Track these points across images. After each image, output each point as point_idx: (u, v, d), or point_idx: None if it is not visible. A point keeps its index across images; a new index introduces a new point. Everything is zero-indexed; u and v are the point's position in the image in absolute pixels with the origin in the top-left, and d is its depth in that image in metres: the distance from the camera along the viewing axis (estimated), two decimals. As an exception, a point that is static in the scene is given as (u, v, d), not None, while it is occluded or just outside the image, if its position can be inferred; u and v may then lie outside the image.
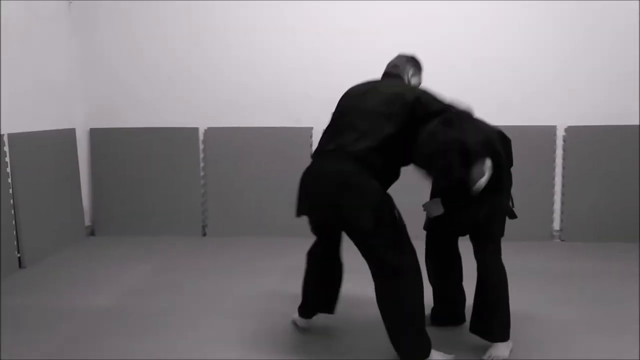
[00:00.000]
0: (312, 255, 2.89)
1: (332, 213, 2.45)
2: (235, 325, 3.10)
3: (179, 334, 2.99)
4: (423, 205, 2.80)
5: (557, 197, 4.96)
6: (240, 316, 3.24)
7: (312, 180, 2.54)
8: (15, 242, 4.13)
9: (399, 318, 2.46)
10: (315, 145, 4.88)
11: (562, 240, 4.95)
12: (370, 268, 2.50)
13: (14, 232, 4.12)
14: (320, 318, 3.00)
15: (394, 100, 2.51)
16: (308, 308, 2.96)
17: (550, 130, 4.90)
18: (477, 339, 2.72)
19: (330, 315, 2.96)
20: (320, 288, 2.90)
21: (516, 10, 4.83)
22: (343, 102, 2.73)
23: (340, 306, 2.97)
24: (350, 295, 3.21)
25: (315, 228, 2.81)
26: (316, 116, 4.97)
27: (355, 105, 2.62)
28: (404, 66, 2.80)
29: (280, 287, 3.71)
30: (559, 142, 4.92)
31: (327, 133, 2.67)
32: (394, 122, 2.46)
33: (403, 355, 2.50)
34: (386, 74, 2.81)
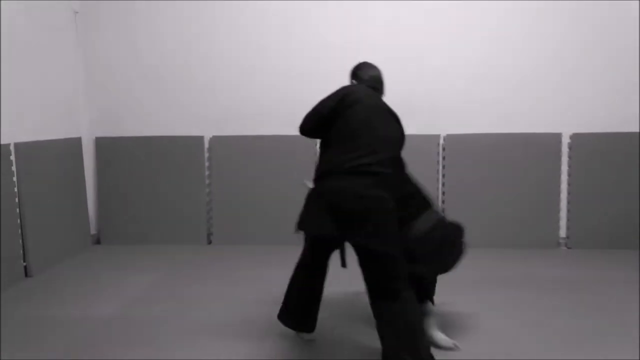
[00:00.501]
0: (305, 268, 2.89)
1: (363, 235, 2.43)
2: (241, 334, 3.09)
3: (184, 342, 2.99)
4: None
5: (563, 205, 4.94)
6: (246, 324, 3.23)
7: (343, 200, 2.45)
8: (22, 251, 4.14)
9: (405, 337, 2.42)
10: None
11: (568, 248, 4.92)
12: (376, 290, 2.47)
13: (20, 241, 4.13)
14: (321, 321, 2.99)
15: (397, 129, 2.67)
16: (300, 318, 2.95)
17: (556, 138, 4.89)
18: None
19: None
20: (310, 301, 2.91)
21: (521, 17, 4.83)
22: (352, 116, 2.60)
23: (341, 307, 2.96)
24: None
25: (318, 243, 2.79)
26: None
27: (369, 124, 2.57)
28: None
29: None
30: (565, 150, 4.91)
31: (343, 149, 2.55)
32: (399, 149, 2.63)
33: None
34: (376, 89, 2.86)
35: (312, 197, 2.61)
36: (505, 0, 4.82)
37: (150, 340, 3.02)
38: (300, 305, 2.93)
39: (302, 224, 2.64)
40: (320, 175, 2.60)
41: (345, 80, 5.02)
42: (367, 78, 2.86)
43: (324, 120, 2.70)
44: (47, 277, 4.18)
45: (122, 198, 5.23)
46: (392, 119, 2.67)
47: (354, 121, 2.58)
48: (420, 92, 4.89)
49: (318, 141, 5.00)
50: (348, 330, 3.11)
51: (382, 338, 2.46)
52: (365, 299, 2.55)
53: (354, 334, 3.05)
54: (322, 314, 2.98)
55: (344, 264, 2.68)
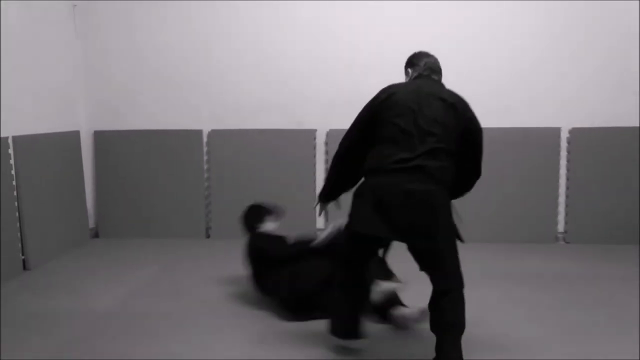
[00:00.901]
0: (349, 271, 2.70)
1: (427, 233, 2.42)
2: (239, 327, 3.10)
3: (183, 336, 2.99)
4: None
5: (562, 199, 4.95)
6: (244, 318, 3.24)
7: (404, 200, 2.40)
8: (20, 244, 4.14)
9: (461, 327, 2.47)
10: (319, 147, 4.96)
11: (566, 242, 4.93)
12: (441, 285, 2.47)
13: (19, 235, 4.13)
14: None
15: (445, 115, 2.52)
16: (354, 325, 2.75)
17: (555, 132, 4.89)
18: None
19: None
20: (359, 304, 2.76)
21: (520, 12, 4.82)
22: (400, 112, 2.49)
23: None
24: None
25: (367, 243, 2.63)
26: (319, 118, 4.99)
27: (421, 116, 2.47)
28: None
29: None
30: (563, 144, 4.91)
31: (394, 144, 2.46)
32: (455, 141, 2.52)
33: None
34: (433, 79, 2.70)
35: (362, 197, 2.52)
36: (505, -5, 4.82)
37: (149, 334, 3.02)
38: (354, 311, 2.74)
39: (357, 225, 2.52)
40: (367, 174, 2.55)
41: (343, 74, 5.03)
42: (422, 65, 2.71)
43: (364, 128, 2.62)
44: (46, 271, 4.18)
45: (121, 192, 5.22)
46: (440, 104, 2.50)
47: (394, 118, 2.48)
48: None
49: (316, 134, 4.98)
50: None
51: (448, 329, 2.46)
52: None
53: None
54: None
55: (383, 256, 2.64)
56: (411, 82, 2.68)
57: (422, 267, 2.54)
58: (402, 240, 2.48)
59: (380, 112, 2.54)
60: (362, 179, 2.60)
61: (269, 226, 3.59)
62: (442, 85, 2.65)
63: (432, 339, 2.49)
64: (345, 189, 2.79)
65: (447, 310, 2.45)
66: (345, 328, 2.73)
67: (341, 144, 2.73)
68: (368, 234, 2.49)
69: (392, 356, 2.74)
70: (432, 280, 2.50)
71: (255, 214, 3.62)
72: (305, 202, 4.99)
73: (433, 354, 2.47)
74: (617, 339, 2.91)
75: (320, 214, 2.97)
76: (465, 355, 2.66)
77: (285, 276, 3.21)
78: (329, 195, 2.85)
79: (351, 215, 2.57)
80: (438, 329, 2.48)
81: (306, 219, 5.02)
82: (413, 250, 2.53)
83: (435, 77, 2.69)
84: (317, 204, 2.92)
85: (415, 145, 2.42)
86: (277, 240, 3.45)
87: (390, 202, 2.41)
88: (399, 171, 2.42)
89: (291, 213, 5.06)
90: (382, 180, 2.45)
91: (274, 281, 3.26)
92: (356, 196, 2.56)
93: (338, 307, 2.74)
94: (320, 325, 3.02)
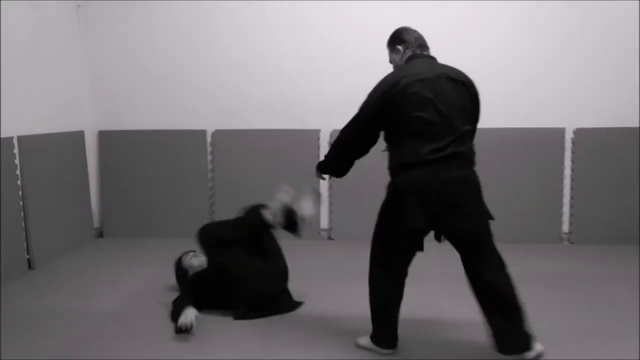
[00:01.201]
0: (401, 274, 2.66)
1: (472, 218, 2.49)
2: (241, 327, 3.10)
3: (187, 335, 2.99)
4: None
5: (566, 200, 4.93)
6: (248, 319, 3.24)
7: (448, 189, 2.40)
8: (25, 244, 4.16)
9: (518, 306, 2.57)
10: (323, 147, 4.95)
11: (571, 243, 4.92)
12: (490, 264, 2.56)
13: (24, 234, 4.15)
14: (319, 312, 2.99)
15: (463, 97, 2.54)
16: (393, 334, 2.74)
17: (559, 133, 4.88)
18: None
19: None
20: (397, 311, 2.72)
21: (525, 12, 4.81)
22: (419, 104, 2.42)
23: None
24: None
25: (416, 241, 2.58)
26: (323, 119, 4.99)
27: (440, 103, 2.43)
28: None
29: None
30: (568, 145, 4.90)
31: (422, 137, 2.42)
32: (471, 119, 2.56)
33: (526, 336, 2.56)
34: (427, 56, 2.66)
35: (402, 194, 2.46)
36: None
37: (153, 333, 3.03)
38: (395, 319, 2.71)
39: (409, 221, 2.42)
40: (399, 169, 2.49)
41: (346, 74, 5.02)
42: (412, 40, 2.64)
43: (373, 119, 2.54)
44: (51, 270, 4.19)
45: (125, 191, 5.24)
46: (452, 86, 2.48)
47: (416, 112, 2.42)
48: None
49: (320, 135, 4.97)
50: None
51: (516, 306, 2.55)
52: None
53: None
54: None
55: (420, 249, 2.61)
56: (414, 65, 2.56)
57: (467, 253, 2.56)
58: (449, 231, 2.50)
59: (396, 105, 2.45)
60: (393, 176, 2.53)
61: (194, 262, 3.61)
62: (441, 64, 2.62)
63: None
64: (343, 169, 2.77)
65: (508, 286, 2.55)
66: (390, 338, 2.72)
67: (346, 131, 2.64)
68: (421, 229, 2.46)
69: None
70: (478, 264, 2.55)
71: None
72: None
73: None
74: (621, 339, 2.90)
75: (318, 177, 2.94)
76: (467, 355, 2.67)
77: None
78: (324, 169, 2.83)
79: (395, 214, 2.48)
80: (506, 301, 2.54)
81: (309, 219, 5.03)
82: (458, 239, 2.54)
83: (426, 52, 2.67)
84: (317, 172, 2.89)
85: (443, 134, 2.41)
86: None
87: (434, 193, 2.39)
88: (435, 162, 2.40)
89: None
90: (420, 174, 2.41)
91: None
92: (394, 194, 2.50)
93: (380, 317, 2.71)
94: (325, 325, 3.02)
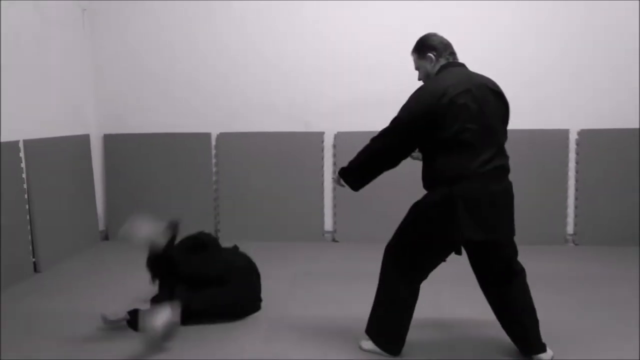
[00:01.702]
0: (420, 282, 2.69)
1: (508, 229, 2.57)
2: (245, 330, 3.11)
3: (190, 338, 3.00)
4: None
5: (571, 201, 4.92)
6: (250, 318, 3.25)
7: (495, 200, 2.47)
8: (31, 247, 4.18)
9: (533, 311, 2.66)
10: (327, 150, 4.96)
11: (575, 244, 4.91)
12: (498, 276, 2.63)
13: (30, 237, 4.17)
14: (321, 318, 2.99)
15: (500, 107, 2.61)
16: (403, 341, 2.75)
17: (563, 134, 4.87)
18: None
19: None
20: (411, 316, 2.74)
21: (529, 13, 4.81)
22: (468, 116, 2.43)
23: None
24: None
25: (457, 250, 2.60)
26: (327, 121, 4.99)
27: (484, 115, 2.46)
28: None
29: (292, 291, 3.72)
30: (572, 146, 4.89)
31: (471, 148, 2.43)
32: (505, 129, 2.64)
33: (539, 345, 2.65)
34: (461, 64, 2.66)
35: (451, 205, 2.43)
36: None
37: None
38: (408, 325, 2.72)
39: (455, 232, 2.44)
40: (448, 180, 2.45)
41: (349, 77, 5.02)
42: (443, 47, 2.62)
43: (415, 131, 2.51)
44: (56, 273, 4.21)
45: (130, 195, 5.26)
46: (492, 97, 2.53)
47: (466, 123, 2.42)
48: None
49: (324, 137, 4.98)
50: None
51: (520, 318, 2.64)
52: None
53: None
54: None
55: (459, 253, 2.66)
56: (454, 74, 2.53)
57: (496, 263, 2.61)
58: (492, 238, 2.52)
59: (445, 117, 2.41)
60: (439, 187, 2.49)
61: None
62: (477, 73, 2.62)
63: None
64: (365, 181, 2.73)
65: (525, 292, 2.68)
66: (400, 344, 2.72)
67: (379, 141, 2.59)
68: (472, 239, 2.48)
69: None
70: (500, 269, 2.61)
71: None
72: (313, 205, 5.01)
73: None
74: (626, 341, 2.89)
75: (336, 184, 2.88)
76: (470, 355, 2.67)
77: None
78: (349, 176, 2.75)
79: (443, 224, 2.47)
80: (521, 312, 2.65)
81: (314, 221, 5.04)
82: (492, 248, 2.57)
83: (457, 59, 2.67)
84: (338, 177, 2.81)
85: (488, 145, 2.46)
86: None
87: (484, 205, 2.44)
88: (485, 175, 2.44)
89: (300, 215, 5.11)
90: (472, 185, 2.42)
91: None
92: (440, 204, 2.47)
93: (392, 323, 2.71)
94: (326, 325, 3.02)
